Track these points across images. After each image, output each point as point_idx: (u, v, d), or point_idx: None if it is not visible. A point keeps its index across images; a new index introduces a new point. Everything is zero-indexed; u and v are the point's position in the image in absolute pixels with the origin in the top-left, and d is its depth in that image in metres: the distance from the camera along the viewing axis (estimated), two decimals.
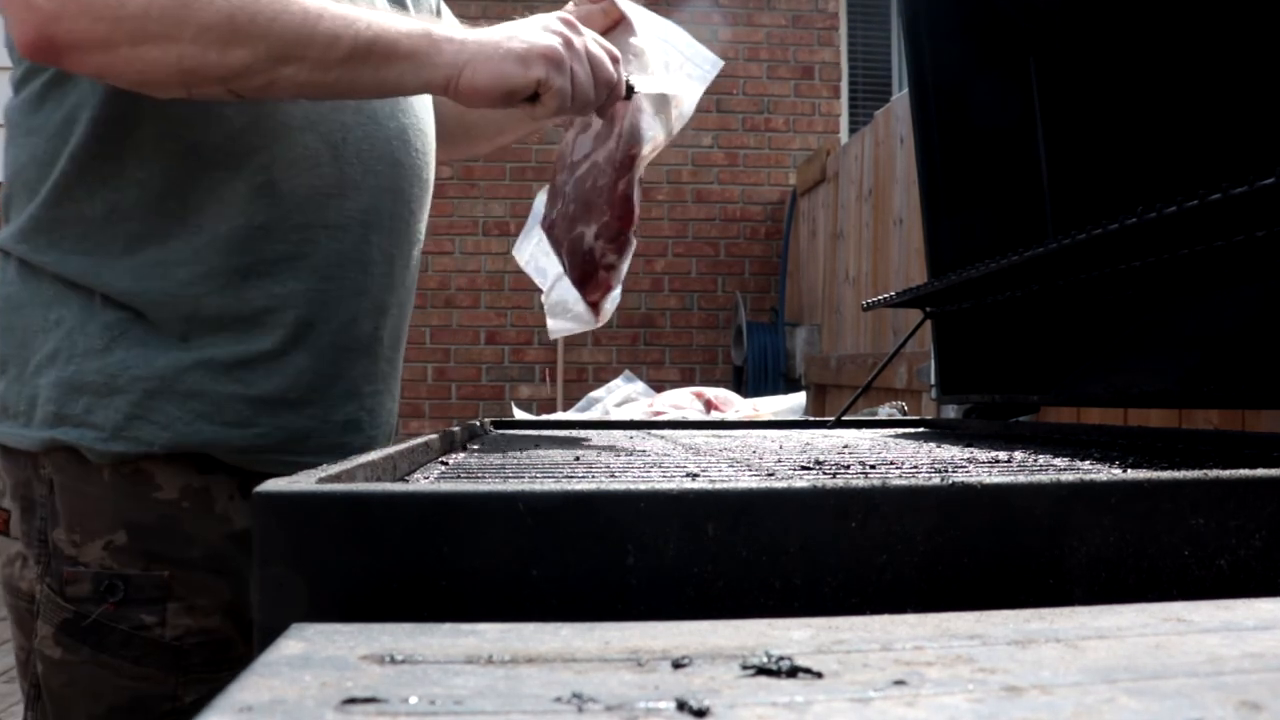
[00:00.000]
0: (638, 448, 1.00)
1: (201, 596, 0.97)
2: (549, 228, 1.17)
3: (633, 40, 1.09)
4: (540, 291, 1.14)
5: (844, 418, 1.48)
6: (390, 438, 1.13)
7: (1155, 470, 0.52)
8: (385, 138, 1.04)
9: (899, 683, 0.29)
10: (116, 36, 0.82)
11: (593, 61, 0.95)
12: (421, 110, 1.11)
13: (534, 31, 0.93)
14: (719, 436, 1.24)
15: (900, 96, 3.45)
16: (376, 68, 0.88)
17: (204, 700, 0.85)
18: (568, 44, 0.93)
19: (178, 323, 0.96)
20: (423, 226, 1.14)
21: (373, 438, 1.08)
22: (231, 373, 0.97)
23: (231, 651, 0.99)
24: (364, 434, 1.07)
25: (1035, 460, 0.81)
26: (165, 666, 0.96)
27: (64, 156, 0.95)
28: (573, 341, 5.55)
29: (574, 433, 1.33)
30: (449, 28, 0.93)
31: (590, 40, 0.96)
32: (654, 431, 1.34)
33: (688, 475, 0.68)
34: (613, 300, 1.11)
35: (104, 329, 0.95)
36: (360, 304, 1.04)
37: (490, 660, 0.32)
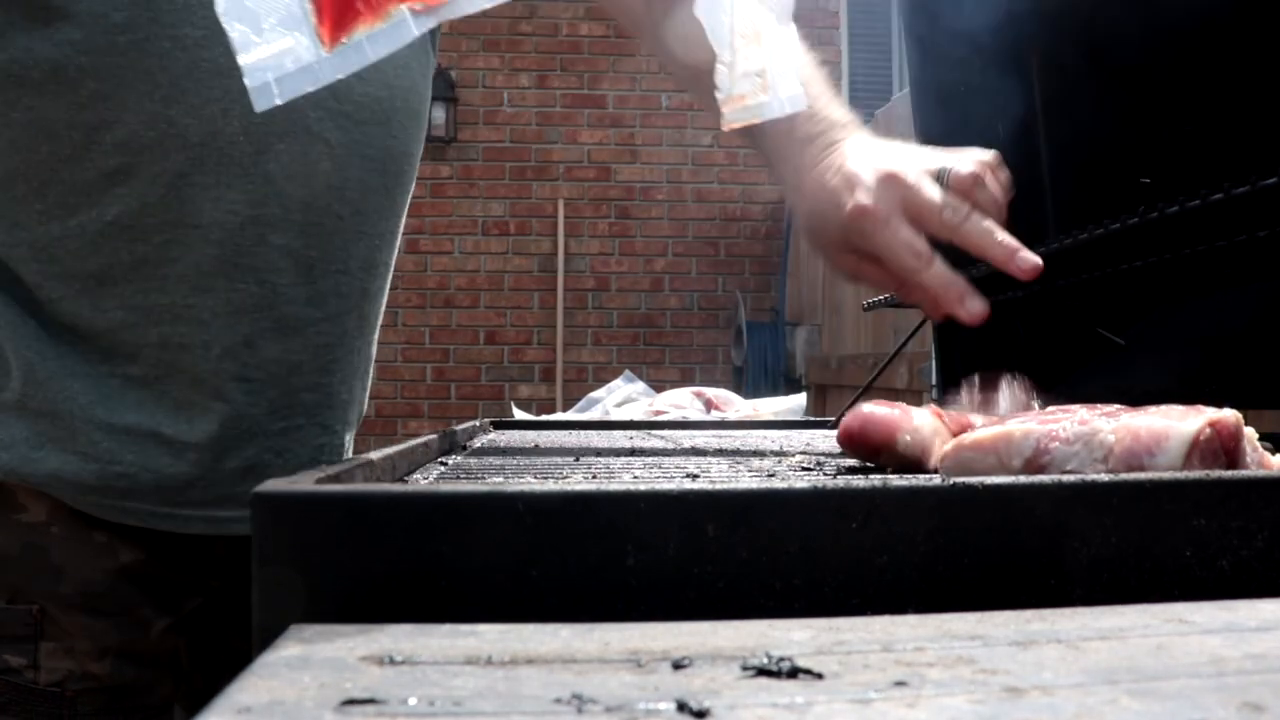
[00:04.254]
0: (638, 448, 1.00)
1: (80, 639, 0.84)
2: None
3: None
4: None
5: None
6: None
7: (1156, 470, 0.52)
8: None
9: (900, 684, 0.29)
10: None
11: None
12: None
13: None
14: (719, 436, 1.24)
15: (900, 96, 3.44)
16: None
17: None
18: None
19: None
20: None
21: None
22: None
23: (137, 699, 0.86)
24: None
25: None
26: (43, 716, 0.83)
27: None
28: (572, 342, 5.55)
29: (574, 433, 1.32)
30: None
31: None
32: (654, 431, 1.34)
33: (688, 475, 0.68)
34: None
35: None
36: None
37: (490, 661, 0.32)
